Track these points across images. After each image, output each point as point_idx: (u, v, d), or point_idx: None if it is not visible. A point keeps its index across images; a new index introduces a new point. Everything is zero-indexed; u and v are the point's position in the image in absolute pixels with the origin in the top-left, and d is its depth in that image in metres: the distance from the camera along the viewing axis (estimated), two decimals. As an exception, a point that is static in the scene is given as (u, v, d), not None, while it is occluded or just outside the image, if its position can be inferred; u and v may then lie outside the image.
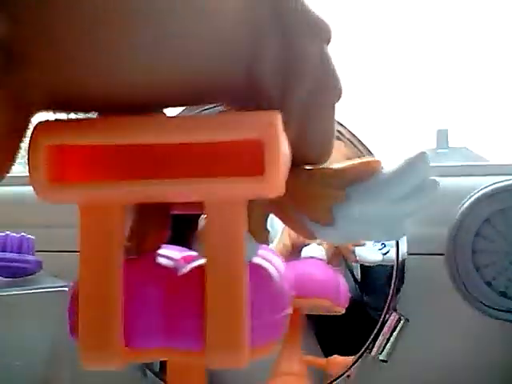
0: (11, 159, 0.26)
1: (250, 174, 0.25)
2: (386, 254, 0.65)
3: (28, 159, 0.24)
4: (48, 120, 0.25)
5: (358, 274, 0.69)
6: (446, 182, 0.58)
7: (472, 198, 0.42)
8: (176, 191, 0.25)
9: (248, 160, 0.25)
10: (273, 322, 0.28)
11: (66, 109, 0.25)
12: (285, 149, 0.25)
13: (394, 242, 0.60)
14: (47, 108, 0.25)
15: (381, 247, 0.64)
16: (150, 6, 0.22)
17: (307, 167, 0.30)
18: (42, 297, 0.43)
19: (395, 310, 0.55)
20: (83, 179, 0.25)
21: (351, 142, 0.60)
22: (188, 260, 0.31)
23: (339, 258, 0.68)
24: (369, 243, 0.66)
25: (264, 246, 0.32)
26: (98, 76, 0.24)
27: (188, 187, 0.25)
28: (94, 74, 0.24)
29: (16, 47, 0.23)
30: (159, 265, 0.30)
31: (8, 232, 0.48)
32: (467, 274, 0.42)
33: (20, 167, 0.28)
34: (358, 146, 0.59)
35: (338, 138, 0.60)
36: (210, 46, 0.25)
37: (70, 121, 0.25)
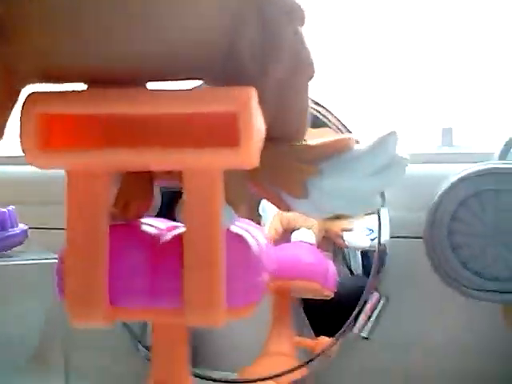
0: (2, 125, 0.28)
1: (226, 145, 0.27)
2: (373, 239, 0.66)
3: (20, 126, 0.26)
4: (39, 91, 0.27)
5: (349, 258, 0.71)
6: (425, 168, 0.60)
7: (448, 183, 0.44)
8: (156, 160, 0.27)
9: (225, 132, 0.27)
10: (248, 285, 0.30)
11: (55, 80, 0.27)
12: (259, 122, 0.27)
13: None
14: (37, 79, 0.27)
15: (369, 233, 0.66)
16: None
17: (283, 143, 0.32)
18: (32, 268, 0.45)
19: (376, 290, 0.56)
20: (70, 146, 0.27)
21: (339, 128, 0.61)
22: (171, 229, 0.33)
23: (329, 242, 0.70)
24: (357, 229, 0.68)
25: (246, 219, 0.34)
26: (84, 48, 0.26)
27: (166, 156, 0.27)
28: (80, 46, 0.26)
29: (8, 23, 0.25)
30: (144, 231, 0.32)
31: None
32: (444, 255, 0.44)
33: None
34: (344, 132, 0.60)
35: (326, 125, 0.62)
36: (191, 25, 0.27)
37: (58, 92, 0.27)
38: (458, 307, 0.53)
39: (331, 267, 0.68)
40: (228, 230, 0.31)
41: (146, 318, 0.32)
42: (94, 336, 0.55)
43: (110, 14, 0.24)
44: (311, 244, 0.69)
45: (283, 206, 0.32)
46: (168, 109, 0.27)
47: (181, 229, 0.32)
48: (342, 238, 0.69)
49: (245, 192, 0.31)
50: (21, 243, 0.48)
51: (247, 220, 0.34)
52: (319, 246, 0.69)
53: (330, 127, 0.61)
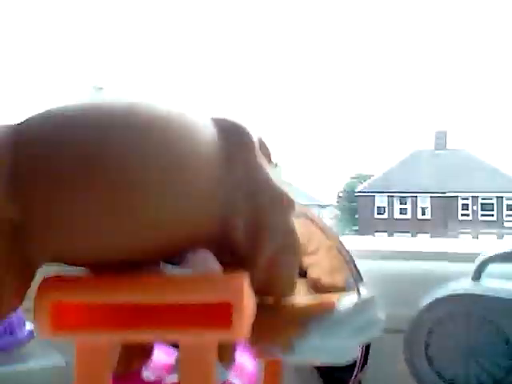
0: (18, 304, 0.31)
1: (221, 322, 0.30)
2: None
3: (34, 310, 0.29)
4: (51, 277, 0.30)
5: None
6: (410, 266, 0.63)
7: (426, 302, 0.47)
8: (157, 338, 0.30)
9: (220, 310, 0.30)
10: None
11: (65, 264, 0.30)
12: (250, 305, 0.30)
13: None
14: (49, 262, 0.31)
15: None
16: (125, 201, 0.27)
17: (273, 302, 0.35)
18: (37, 372, 0.48)
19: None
20: (79, 326, 0.30)
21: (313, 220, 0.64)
22: (167, 369, 0.36)
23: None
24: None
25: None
26: (86, 243, 0.29)
27: (168, 336, 0.30)
28: (82, 242, 0.29)
29: (25, 225, 0.28)
30: (143, 380, 0.35)
31: None
32: (421, 365, 0.47)
33: None
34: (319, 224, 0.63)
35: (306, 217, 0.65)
36: (181, 219, 0.29)
37: (69, 280, 0.30)
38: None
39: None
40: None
41: None
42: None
43: (102, 219, 0.28)
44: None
45: (269, 356, 0.36)
46: (168, 299, 0.30)
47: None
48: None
49: (234, 356, 0.35)
50: (27, 343, 0.50)
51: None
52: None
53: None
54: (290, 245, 0.32)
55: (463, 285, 0.46)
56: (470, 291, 0.45)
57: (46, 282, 0.30)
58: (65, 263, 0.31)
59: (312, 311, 0.35)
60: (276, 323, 0.35)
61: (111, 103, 0.27)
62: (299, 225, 0.61)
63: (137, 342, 0.31)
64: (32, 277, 0.31)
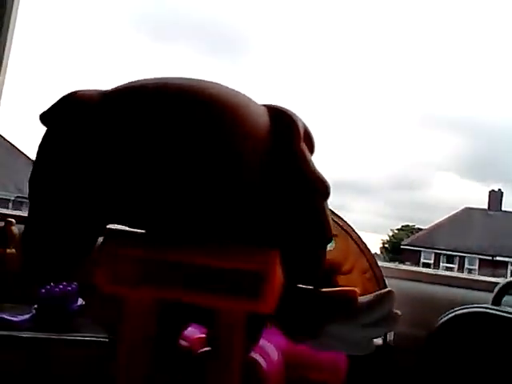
0: (82, 263, 0.36)
1: (251, 293, 0.34)
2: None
3: (96, 262, 0.34)
4: (112, 234, 0.35)
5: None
6: (429, 290, 0.65)
7: (444, 319, 0.50)
8: (197, 299, 0.35)
9: (252, 280, 0.34)
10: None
11: (128, 225, 0.36)
12: (279, 279, 0.34)
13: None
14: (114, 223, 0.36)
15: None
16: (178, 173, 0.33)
17: (301, 288, 0.39)
18: (82, 343, 0.52)
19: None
20: (131, 279, 0.35)
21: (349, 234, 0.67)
22: (200, 342, 0.40)
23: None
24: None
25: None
26: (155, 205, 0.34)
27: (206, 299, 0.34)
28: (151, 205, 0.34)
29: (107, 183, 0.33)
30: (179, 346, 0.39)
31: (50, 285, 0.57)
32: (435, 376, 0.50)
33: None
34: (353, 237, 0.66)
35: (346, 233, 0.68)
36: (231, 190, 0.34)
37: (127, 237, 0.35)
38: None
39: (343, 360, 0.74)
40: (247, 355, 0.38)
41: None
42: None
43: (173, 181, 0.33)
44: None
45: (294, 341, 0.39)
46: (210, 262, 0.34)
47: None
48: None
49: (261, 332, 0.38)
50: (78, 317, 0.55)
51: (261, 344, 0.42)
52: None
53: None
54: (321, 230, 0.36)
55: (482, 306, 0.49)
56: (488, 310, 0.47)
57: (108, 238, 0.35)
58: (129, 224, 0.36)
59: (335, 298, 0.38)
60: (303, 309, 0.38)
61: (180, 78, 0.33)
62: (338, 240, 0.64)
63: (177, 300, 0.36)
64: (99, 236, 0.36)
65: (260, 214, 0.36)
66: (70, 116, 0.34)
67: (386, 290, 0.38)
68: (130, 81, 0.35)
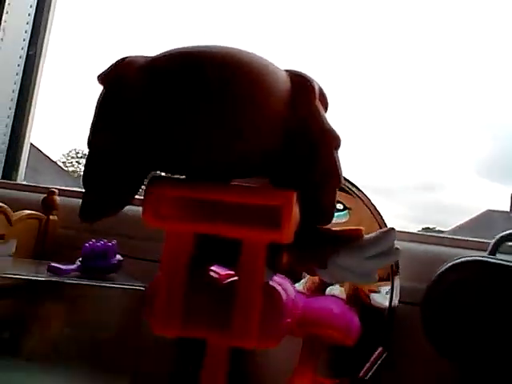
0: (129, 202, 0.43)
1: (272, 225, 0.40)
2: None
3: (143, 201, 0.41)
4: (156, 178, 0.42)
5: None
6: (428, 248, 0.72)
7: (443, 268, 0.56)
8: (227, 232, 0.41)
9: (273, 215, 0.41)
10: (276, 322, 0.43)
11: (170, 172, 0.43)
12: (296, 213, 0.41)
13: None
14: (159, 170, 0.43)
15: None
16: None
17: (315, 227, 0.45)
18: (122, 292, 0.59)
19: (382, 345, 0.68)
20: (172, 215, 0.42)
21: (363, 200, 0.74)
22: (227, 276, 0.47)
23: (357, 299, 0.81)
24: (382, 292, 0.80)
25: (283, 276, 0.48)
26: (193, 154, 0.40)
27: (232, 231, 0.41)
28: (190, 153, 0.40)
29: (152, 135, 0.40)
30: (210, 276, 0.46)
31: (93, 241, 0.65)
32: (434, 326, 0.56)
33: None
34: (367, 204, 0.72)
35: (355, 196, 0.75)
36: (259, 140, 0.41)
37: (168, 180, 0.42)
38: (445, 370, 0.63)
39: (355, 321, 0.80)
40: (267, 283, 0.44)
41: (205, 336, 0.45)
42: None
43: (213, 130, 0.40)
44: (341, 298, 0.81)
45: (308, 272, 0.46)
46: (239, 199, 0.41)
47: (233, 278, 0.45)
48: (368, 297, 0.81)
49: (280, 259, 0.45)
50: (117, 271, 0.62)
51: (281, 276, 0.48)
52: (348, 300, 0.81)
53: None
54: (333, 177, 0.43)
55: (479, 255, 0.54)
56: (484, 258, 0.53)
57: (153, 181, 0.42)
58: (170, 171, 0.43)
59: (343, 235, 0.45)
60: (314, 243, 0.45)
61: (217, 46, 0.40)
62: (352, 212, 0.71)
63: (210, 232, 0.42)
64: (143, 180, 0.43)
65: (281, 161, 0.42)
66: (121, 76, 0.41)
67: (389, 227, 0.45)
68: (171, 48, 0.42)
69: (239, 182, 0.44)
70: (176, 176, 0.43)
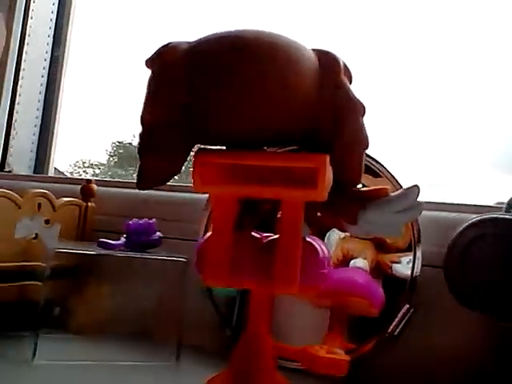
0: (175, 171, 0.48)
1: (308, 185, 0.45)
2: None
3: (192, 170, 0.46)
4: (201, 149, 0.47)
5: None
6: (448, 215, 0.77)
7: (461, 227, 0.61)
8: (268, 193, 0.46)
9: (309, 176, 0.46)
10: (313, 274, 0.48)
11: (212, 144, 0.48)
12: (329, 174, 0.46)
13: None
14: (202, 143, 0.48)
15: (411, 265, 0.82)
16: (255, 100, 0.44)
17: (344, 187, 0.50)
18: (165, 263, 0.65)
19: (408, 302, 0.73)
20: (217, 180, 0.47)
21: (389, 179, 0.79)
22: (265, 237, 0.52)
23: (379, 270, 0.86)
24: (403, 262, 0.85)
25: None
26: (231, 126, 0.45)
27: (275, 192, 0.46)
28: (228, 126, 0.45)
29: (194, 111, 0.45)
30: (252, 235, 0.51)
31: (135, 219, 0.70)
32: (456, 279, 0.60)
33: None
34: (392, 182, 0.78)
35: (380, 175, 0.80)
36: (291, 112, 0.46)
37: (211, 150, 0.47)
38: (469, 320, 0.68)
39: (380, 290, 0.84)
40: (304, 238, 0.49)
41: (250, 286, 0.50)
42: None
43: (244, 102, 0.44)
44: (365, 270, 0.85)
45: (340, 228, 0.51)
46: (278, 163, 0.46)
47: (273, 236, 0.50)
48: (390, 268, 0.86)
49: (316, 216, 0.50)
50: (158, 246, 0.68)
51: (314, 237, 0.53)
52: (371, 272, 0.86)
53: (381, 175, 0.79)
54: (360, 140, 0.48)
55: (495, 213, 0.59)
56: (499, 215, 0.58)
57: (199, 151, 0.47)
58: (211, 143, 0.48)
59: (371, 194, 0.50)
60: (344, 201, 0.50)
61: (250, 30, 0.45)
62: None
63: (252, 196, 0.47)
64: (189, 151, 0.48)
65: (312, 128, 0.47)
66: (166, 60, 0.46)
67: (413, 184, 0.49)
68: (213, 32, 0.47)
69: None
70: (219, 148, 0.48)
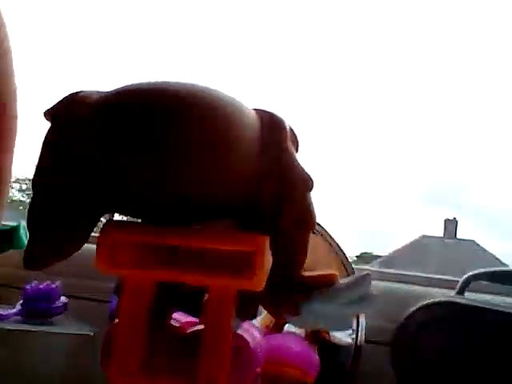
0: (78, 247, 0.39)
1: (242, 272, 0.37)
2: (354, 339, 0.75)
3: (96, 248, 0.37)
4: (110, 222, 0.38)
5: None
6: (395, 287, 0.71)
7: (411, 310, 0.55)
8: (192, 280, 0.37)
9: (242, 261, 0.37)
10: (245, 376, 0.39)
11: (121, 214, 0.38)
12: (268, 259, 0.37)
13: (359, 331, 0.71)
14: (112, 212, 0.38)
15: (351, 332, 0.75)
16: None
17: (286, 273, 0.42)
18: (68, 338, 0.54)
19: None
20: (129, 262, 0.38)
21: (323, 236, 0.72)
22: (190, 324, 0.43)
23: (316, 336, 0.79)
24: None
25: (248, 321, 0.44)
26: (149, 197, 0.36)
27: (201, 279, 0.37)
28: (147, 196, 0.36)
29: (108, 175, 0.36)
30: (171, 325, 0.42)
31: (36, 282, 0.60)
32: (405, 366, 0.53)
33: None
34: (328, 240, 0.71)
35: (316, 233, 0.73)
36: (228, 178, 0.37)
37: (124, 224, 0.38)
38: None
39: (316, 358, 0.77)
40: (235, 332, 0.40)
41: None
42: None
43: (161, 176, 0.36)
44: (299, 335, 0.78)
45: (280, 318, 0.42)
46: (206, 244, 0.37)
47: (198, 325, 0.41)
48: (328, 334, 0.78)
49: (254, 306, 0.41)
50: (61, 313, 0.57)
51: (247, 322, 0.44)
52: (307, 338, 0.78)
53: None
54: (308, 219, 0.40)
55: (448, 296, 0.53)
56: (452, 299, 0.52)
57: (108, 225, 0.37)
58: (125, 214, 0.39)
59: (316, 281, 0.41)
60: (286, 290, 0.41)
61: (179, 82, 0.36)
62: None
63: (172, 281, 0.38)
64: (95, 224, 0.38)
65: (250, 203, 0.39)
66: (71, 114, 0.37)
67: (364, 272, 0.42)
68: (129, 84, 0.38)
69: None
70: (132, 220, 0.39)
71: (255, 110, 0.39)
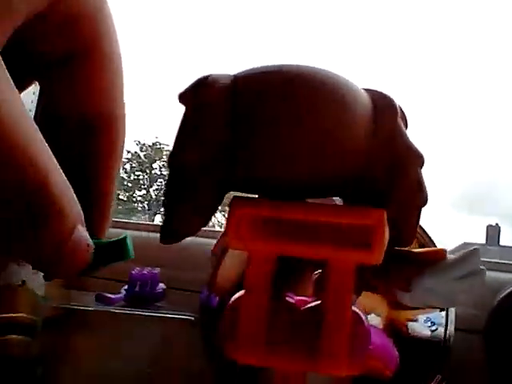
0: (206, 223, 0.41)
1: (360, 244, 0.39)
2: (434, 331, 0.76)
3: (226, 223, 0.39)
4: (237, 198, 0.40)
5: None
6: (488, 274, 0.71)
7: (505, 292, 0.55)
8: (315, 253, 0.39)
9: (360, 235, 0.39)
10: (360, 351, 0.41)
11: (251, 192, 0.41)
12: (386, 234, 0.39)
13: (442, 322, 0.72)
14: (238, 190, 0.41)
15: (430, 325, 0.76)
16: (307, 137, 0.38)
17: (399, 249, 0.43)
18: (167, 321, 0.57)
19: (440, 372, 0.66)
20: (255, 236, 0.40)
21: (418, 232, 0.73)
22: (303, 302, 0.45)
23: (393, 329, 0.80)
24: (420, 320, 0.78)
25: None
26: (275, 175, 0.39)
27: (323, 252, 0.39)
28: (273, 173, 0.39)
29: (238, 154, 0.38)
30: (288, 301, 0.44)
31: (138, 268, 0.63)
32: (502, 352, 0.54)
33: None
34: (422, 235, 0.72)
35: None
36: (345, 155, 0.39)
37: (250, 199, 0.40)
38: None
39: (395, 352, 0.78)
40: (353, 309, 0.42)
41: (285, 365, 0.43)
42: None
43: (296, 152, 0.38)
44: (378, 328, 0.79)
45: (389, 296, 0.44)
46: (328, 218, 0.39)
47: (313, 302, 0.43)
48: (406, 327, 0.79)
49: (365, 283, 0.43)
50: (161, 300, 0.60)
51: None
52: (384, 331, 0.79)
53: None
54: (419, 195, 0.41)
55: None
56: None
57: (235, 201, 0.40)
58: (249, 191, 0.41)
59: (427, 257, 0.43)
60: (397, 266, 0.43)
61: (297, 65, 0.38)
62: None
63: (297, 255, 0.40)
64: (221, 201, 0.41)
65: (362, 180, 0.41)
66: (204, 95, 0.40)
67: (473, 247, 0.43)
68: (252, 68, 0.40)
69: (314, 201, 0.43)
70: (257, 196, 0.42)
71: (366, 90, 0.41)
